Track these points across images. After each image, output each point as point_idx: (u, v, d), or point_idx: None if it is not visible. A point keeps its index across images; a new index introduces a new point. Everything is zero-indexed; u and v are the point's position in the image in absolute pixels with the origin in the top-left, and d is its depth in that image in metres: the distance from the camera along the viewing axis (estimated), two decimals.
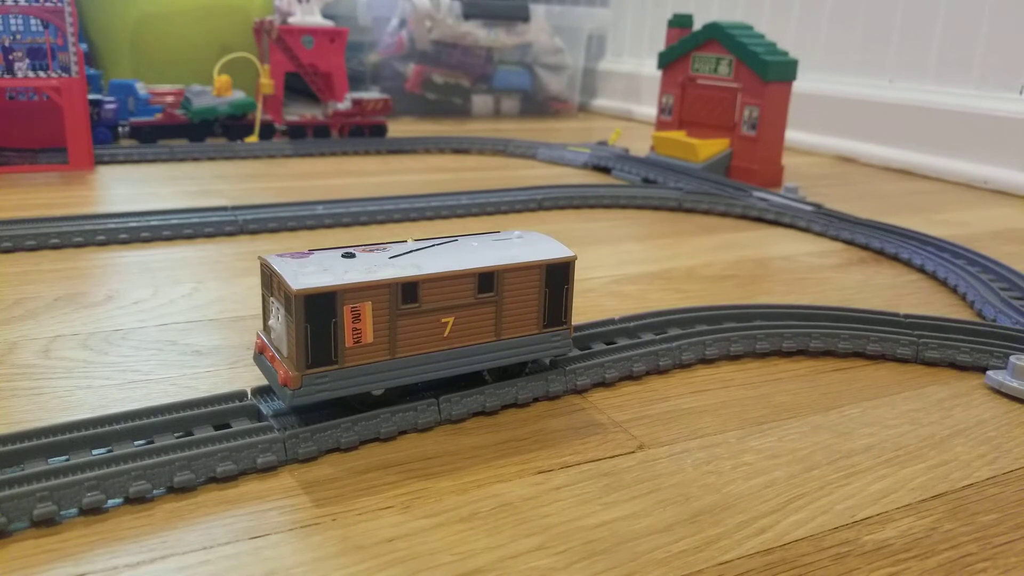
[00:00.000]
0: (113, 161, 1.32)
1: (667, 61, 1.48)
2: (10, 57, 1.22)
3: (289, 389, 0.49)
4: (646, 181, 1.31)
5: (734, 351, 0.67)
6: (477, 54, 2.11)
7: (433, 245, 0.56)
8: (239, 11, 1.95)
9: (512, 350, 0.56)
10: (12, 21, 1.22)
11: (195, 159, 1.38)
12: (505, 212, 1.12)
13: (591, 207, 1.17)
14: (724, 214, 1.16)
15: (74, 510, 0.43)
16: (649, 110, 2.19)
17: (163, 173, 1.28)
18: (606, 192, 1.19)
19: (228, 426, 0.51)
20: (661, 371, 0.64)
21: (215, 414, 0.51)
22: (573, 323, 0.59)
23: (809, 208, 1.13)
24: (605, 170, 1.43)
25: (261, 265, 0.53)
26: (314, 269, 0.50)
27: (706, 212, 1.17)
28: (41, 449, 0.47)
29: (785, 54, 1.35)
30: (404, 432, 0.53)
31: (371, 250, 0.54)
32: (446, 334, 0.53)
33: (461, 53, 2.09)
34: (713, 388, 0.62)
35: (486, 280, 0.54)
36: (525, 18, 2.09)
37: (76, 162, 1.25)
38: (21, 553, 0.40)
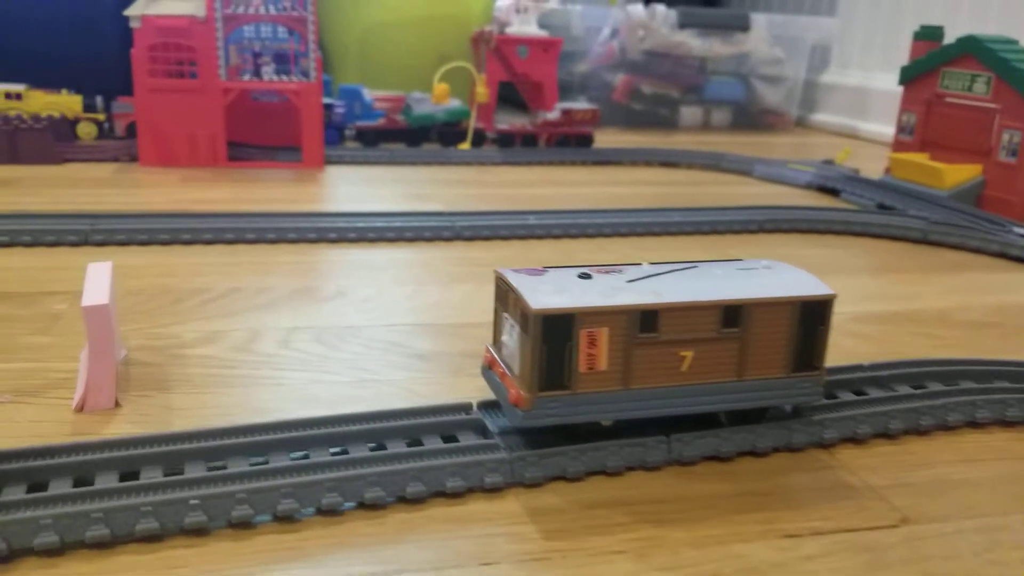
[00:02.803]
0: (340, 161, 1.40)
1: (911, 76, 1.34)
2: (259, 62, 1.32)
3: (520, 410, 0.47)
4: (881, 207, 1.20)
5: (1011, 416, 0.58)
6: (689, 64, 2.04)
7: (672, 270, 0.52)
8: (458, 21, 2.01)
9: (755, 392, 0.51)
10: (263, 29, 1.32)
11: (412, 163, 1.43)
12: (722, 232, 1.06)
13: (819, 232, 1.08)
14: (977, 250, 1.03)
15: (312, 509, 0.44)
16: (877, 127, 2.02)
17: (383, 175, 1.33)
18: (836, 217, 1.09)
19: (455, 438, 0.51)
20: (921, 431, 0.56)
21: (443, 425, 0.51)
22: None
23: None
24: (832, 192, 1.33)
25: (496, 279, 0.51)
26: (551, 288, 0.48)
27: (956, 247, 1.04)
28: (283, 443, 0.48)
29: None
30: (631, 468, 0.50)
31: (607, 271, 0.51)
32: (684, 368, 0.49)
33: (672, 63, 2.04)
34: (987, 458, 0.53)
35: (732, 313, 0.49)
36: (745, 28, 2.00)
37: (309, 161, 1.33)
38: (265, 547, 0.41)
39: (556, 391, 0.47)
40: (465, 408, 0.53)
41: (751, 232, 1.07)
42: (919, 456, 0.53)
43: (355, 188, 1.23)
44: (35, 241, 0.85)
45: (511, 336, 0.49)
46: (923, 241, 1.05)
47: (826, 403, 0.56)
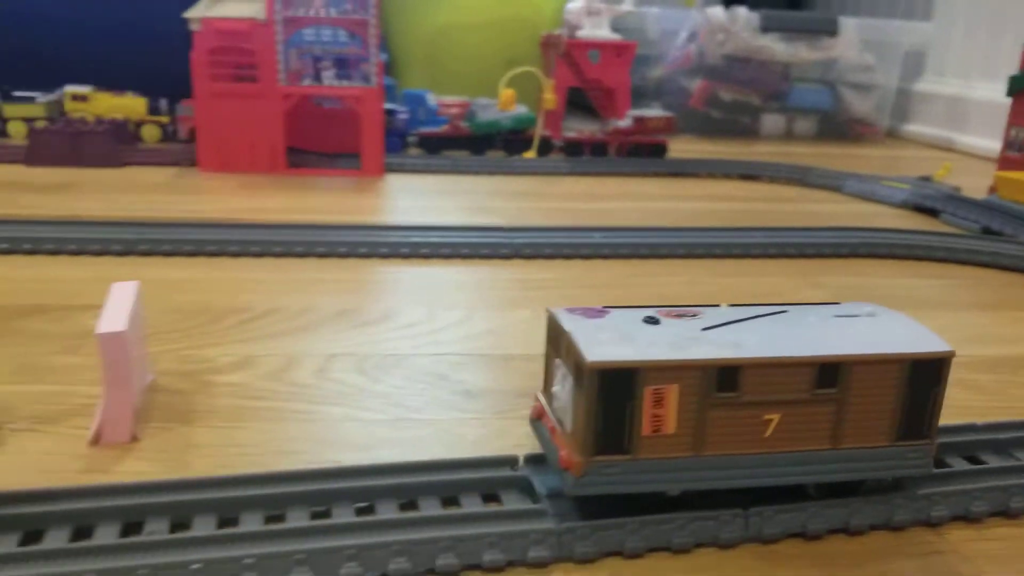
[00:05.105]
0: (401, 169, 1.35)
1: (1021, 86, 1.22)
2: (319, 66, 1.29)
3: (571, 475, 0.40)
4: (987, 231, 1.08)
5: None
6: (772, 70, 1.93)
7: (756, 316, 0.45)
8: (528, 24, 1.95)
9: (852, 463, 0.43)
10: (324, 32, 1.29)
11: (475, 172, 1.38)
12: (809, 256, 0.96)
13: (917, 259, 0.98)
14: None
15: None
16: (976, 140, 1.88)
17: (444, 185, 1.28)
18: (938, 242, 0.99)
19: (497, 497, 0.44)
20: None
21: (484, 482, 0.45)
22: None
23: None
24: (931, 212, 1.21)
25: (548, 320, 0.45)
26: (612, 336, 0.41)
27: None
28: (303, 497, 0.43)
29: None
30: (701, 544, 0.42)
31: (678, 315, 0.44)
32: (767, 434, 0.42)
33: (754, 68, 1.93)
34: None
35: (829, 372, 0.41)
36: (832, 32, 1.88)
37: (368, 169, 1.29)
38: None
39: (615, 455, 0.40)
40: (510, 462, 0.47)
41: (842, 256, 0.97)
42: None
43: (413, 199, 1.18)
44: (79, 250, 0.82)
45: (563, 387, 0.43)
46: None
47: (934, 473, 0.47)
